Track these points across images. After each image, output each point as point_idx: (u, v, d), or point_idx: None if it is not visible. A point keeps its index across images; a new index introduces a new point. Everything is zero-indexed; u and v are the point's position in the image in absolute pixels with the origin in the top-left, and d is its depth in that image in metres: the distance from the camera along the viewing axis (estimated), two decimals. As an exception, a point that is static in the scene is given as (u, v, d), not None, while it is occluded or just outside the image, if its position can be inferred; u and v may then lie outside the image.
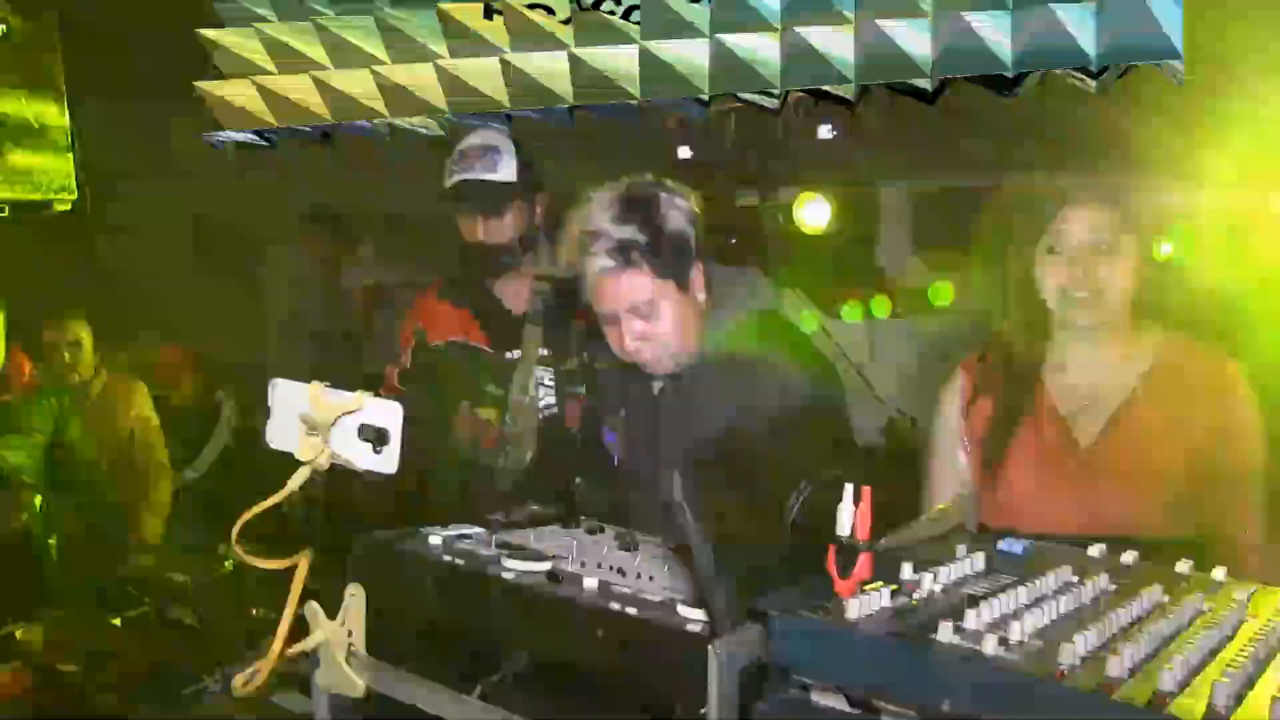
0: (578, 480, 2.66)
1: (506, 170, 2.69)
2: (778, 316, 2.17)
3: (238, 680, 1.44)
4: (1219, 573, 1.18)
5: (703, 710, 1.05)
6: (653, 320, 2.01)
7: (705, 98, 2.02)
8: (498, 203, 2.68)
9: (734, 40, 1.96)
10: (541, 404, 2.81)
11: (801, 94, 2.01)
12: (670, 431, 2.13)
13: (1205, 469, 1.95)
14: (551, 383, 2.82)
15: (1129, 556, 1.23)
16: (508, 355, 2.80)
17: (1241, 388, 1.96)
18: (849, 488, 1.03)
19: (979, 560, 1.18)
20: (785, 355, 2.06)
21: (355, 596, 1.43)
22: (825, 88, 1.95)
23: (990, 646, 0.89)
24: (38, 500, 3.47)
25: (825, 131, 4.49)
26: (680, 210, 2.01)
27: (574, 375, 2.81)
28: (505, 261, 2.76)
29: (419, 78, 2.26)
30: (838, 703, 1.00)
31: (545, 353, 2.82)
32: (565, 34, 2.10)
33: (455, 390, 2.83)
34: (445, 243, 2.90)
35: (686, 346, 2.05)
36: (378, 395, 1.35)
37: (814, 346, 2.28)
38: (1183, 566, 1.21)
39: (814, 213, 4.56)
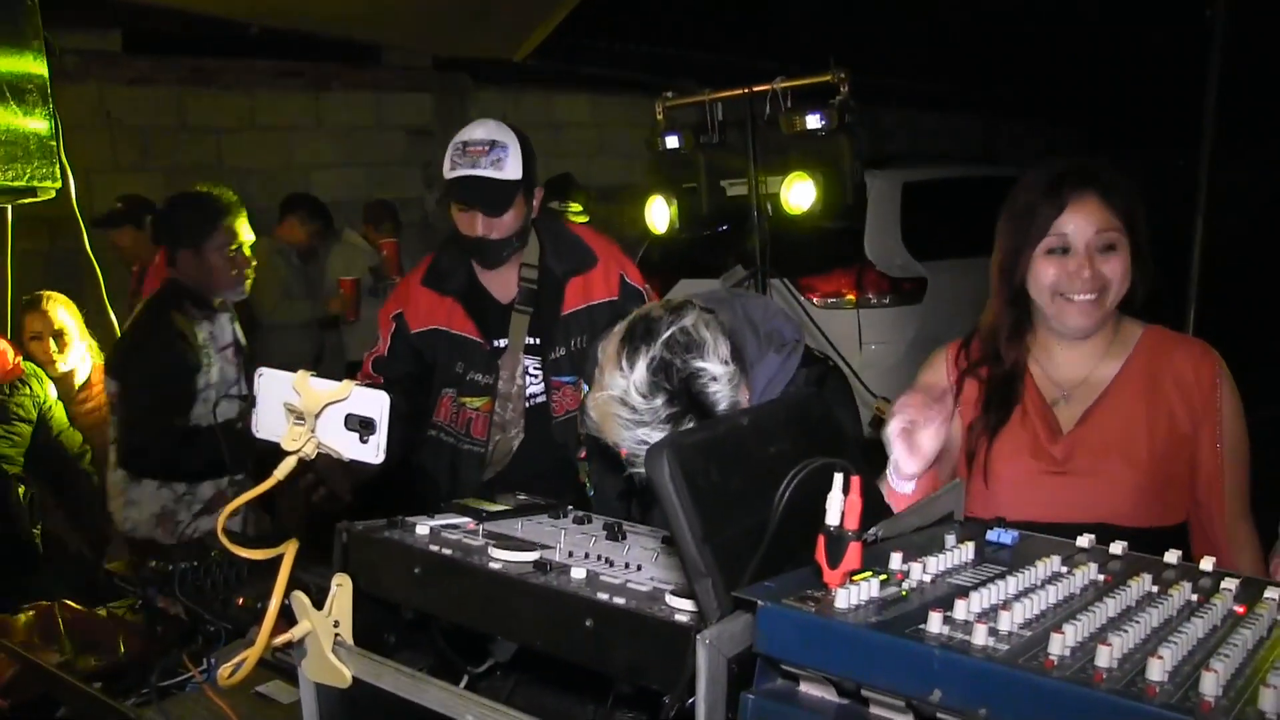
0: (586, 471, 2.66)
1: (512, 168, 2.65)
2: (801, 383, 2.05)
3: (223, 671, 1.43)
4: (1207, 563, 1.18)
5: (690, 700, 1.05)
6: None
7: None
8: (503, 203, 2.65)
9: None
10: (529, 392, 2.81)
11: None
12: None
13: (1185, 458, 1.96)
14: (538, 371, 2.81)
15: (1118, 547, 1.23)
16: (495, 343, 2.79)
17: (1220, 378, 1.98)
18: (838, 477, 1.03)
19: (968, 550, 1.18)
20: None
21: (342, 587, 1.43)
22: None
23: (980, 637, 0.89)
24: (22, 490, 3.44)
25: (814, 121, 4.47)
26: (721, 379, 1.77)
27: (561, 364, 2.80)
28: (504, 256, 2.75)
29: None
30: (827, 693, 1.00)
31: (532, 341, 2.81)
32: None
33: (438, 378, 2.82)
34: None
35: None
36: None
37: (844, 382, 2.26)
38: (1171, 557, 1.21)
39: (800, 198, 4.54)
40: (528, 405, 2.81)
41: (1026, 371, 2.06)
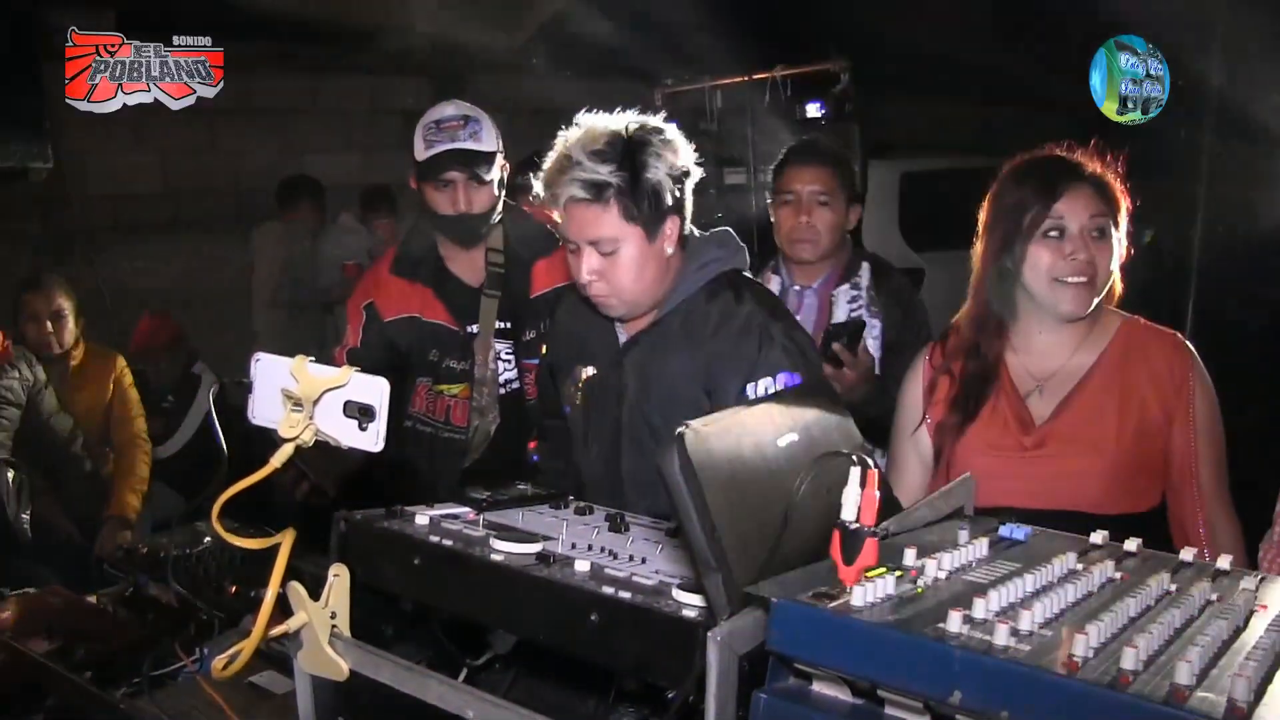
0: (535, 458, 2.65)
1: (489, 140, 2.68)
2: (744, 277, 2.14)
3: (217, 662, 1.40)
4: (1224, 561, 1.16)
5: (691, 699, 1.02)
6: (612, 259, 1.99)
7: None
8: (488, 170, 2.67)
9: None
10: (502, 378, 2.79)
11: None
12: (636, 386, 2.10)
13: (1157, 448, 1.98)
14: (510, 355, 2.80)
15: (1133, 544, 1.21)
16: (469, 329, 2.77)
17: (1192, 369, 1.99)
18: (855, 471, 1.00)
19: (981, 546, 1.16)
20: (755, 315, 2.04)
21: (339, 577, 1.40)
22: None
23: (1001, 637, 0.87)
24: (11, 475, 3.40)
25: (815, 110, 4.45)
26: (665, 162, 1.97)
27: (532, 346, 2.78)
28: (482, 232, 2.75)
29: None
30: (841, 693, 0.97)
31: (503, 325, 2.80)
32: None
33: (414, 366, 2.80)
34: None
35: (641, 293, 2.04)
36: None
37: (783, 304, 2.28)
38: (1187, 554, 1.19)
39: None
40: (502, 391, 2.79)
41: (1003, 363, 2.08)
